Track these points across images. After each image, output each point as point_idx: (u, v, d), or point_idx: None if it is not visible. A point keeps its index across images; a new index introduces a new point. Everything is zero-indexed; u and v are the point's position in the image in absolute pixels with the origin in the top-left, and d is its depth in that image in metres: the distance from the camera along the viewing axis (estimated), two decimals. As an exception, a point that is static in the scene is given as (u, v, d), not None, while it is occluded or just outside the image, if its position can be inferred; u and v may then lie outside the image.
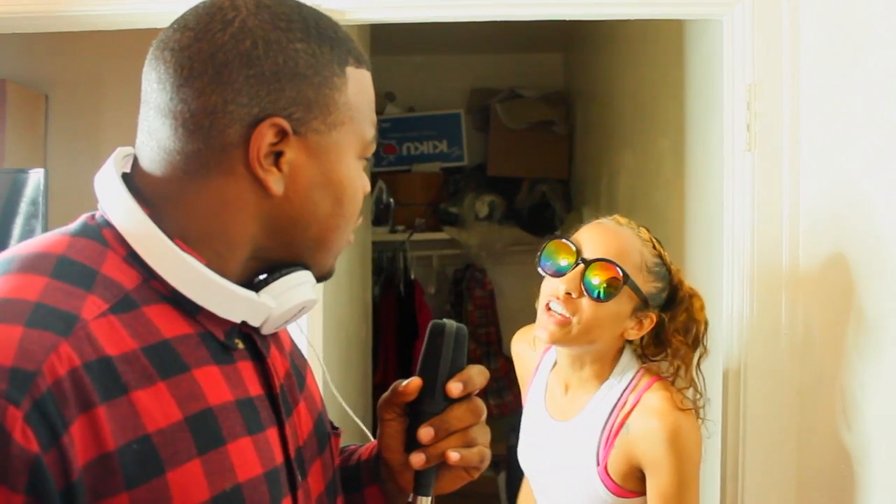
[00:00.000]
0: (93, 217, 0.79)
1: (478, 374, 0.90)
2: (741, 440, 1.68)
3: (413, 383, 0.89)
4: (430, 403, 0.88)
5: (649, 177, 2.67)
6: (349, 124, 0.81)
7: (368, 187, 0.89)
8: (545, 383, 1.64)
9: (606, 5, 1.76)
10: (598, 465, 1.49)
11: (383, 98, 4.26)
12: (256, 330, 0.83)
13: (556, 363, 1.62)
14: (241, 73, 0.76)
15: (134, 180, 0.79)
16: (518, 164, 4.21)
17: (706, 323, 1.55)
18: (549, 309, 1.48)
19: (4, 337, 0.64)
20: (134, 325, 0.72)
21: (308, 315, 1.74)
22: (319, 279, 0.87)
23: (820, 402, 1.58)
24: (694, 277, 2.15)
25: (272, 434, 0.81)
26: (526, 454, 1.67)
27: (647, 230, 1.54)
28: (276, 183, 0.78)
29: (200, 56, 0.76)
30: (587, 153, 3.88)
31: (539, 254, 1.51)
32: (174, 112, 0.77)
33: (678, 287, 1.54)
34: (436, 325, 0.90)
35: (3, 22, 1.66)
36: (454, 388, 0.87)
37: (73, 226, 0.78)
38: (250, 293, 0.79)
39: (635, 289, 1.45)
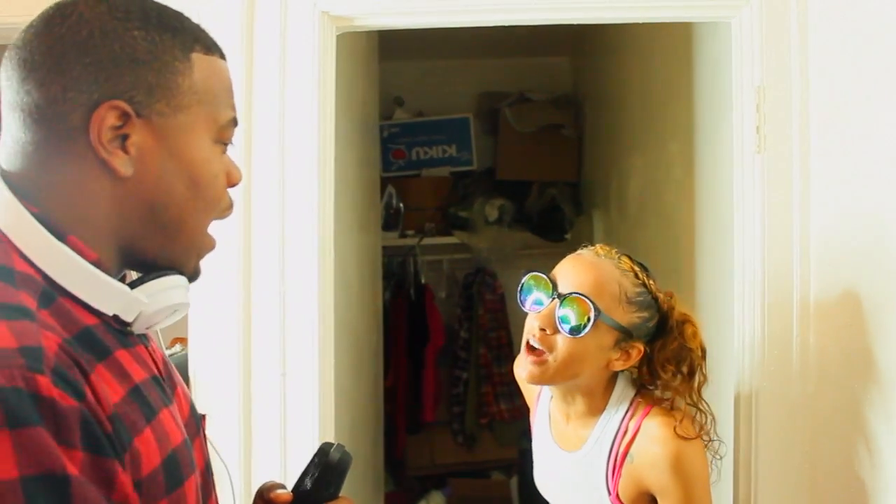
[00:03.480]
0: None
1: None
2: (753, 466, 1.66)
3: (282, 498, 0.97)
4: None
5: (659, 179, 2.66)
6: (196, 107, 0.85)
7: (238, 175, 0.92)
8: (548, 412, 1.64)
9: (613, 9, 1.76)
10: (610, 493, 1.49)
11: (392, 103, 4.26)
12: (128, 326, 0.86)
13: (552, 395, 1.62)
14: (78, 61, 0.80)
15: (8, 180, 0.82)
16: (527, 168, 4.20)
17: (703, 349, 1.52)
18: (529, 348, 1.48)
19: None
20: (59, 316, 0.76)
21: (318, 319, 1.75)
22: (190, 279, 0.90)
23: (835, 433, 1.56)
24: (704, 281, 2.14)
25: (173, 410, 0.87)
26: (542, 482, 1.67)
27: (630, 258, 1.51)
28: (122, 165, 0.81)
29: (40, 49, 0.80)
30: (597, 156, 3.87)
31: (519, 288, 1.50)
32: (21, 104, 0.81)
33: (668, 314, 1.51)
34: (323, 448, 0.98)
35: None
36: None
37: None
38: (124, 287, 0.83)
39: (610, 322, 1.44)
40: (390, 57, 3.51)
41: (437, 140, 4.30)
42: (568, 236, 3.99)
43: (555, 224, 4.04)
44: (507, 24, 1.74)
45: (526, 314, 1.52)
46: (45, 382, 0.67)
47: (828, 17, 1.57)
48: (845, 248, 1.54)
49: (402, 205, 4.13)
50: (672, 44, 2.40)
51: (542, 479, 1.66)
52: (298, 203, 1.75)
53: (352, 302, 2.56)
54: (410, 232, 4.13)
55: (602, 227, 3.69)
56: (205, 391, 1.74)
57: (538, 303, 1.47)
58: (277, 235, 1.75)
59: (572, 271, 1.48)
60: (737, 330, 1.71)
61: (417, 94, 4.32)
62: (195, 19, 1.65)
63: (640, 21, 1.80)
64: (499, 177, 4.23)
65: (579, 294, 1.42)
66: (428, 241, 4.13)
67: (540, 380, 1.47)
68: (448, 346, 4.28)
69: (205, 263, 0.91)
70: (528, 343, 1.48)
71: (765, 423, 1.64)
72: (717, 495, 1.70)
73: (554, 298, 1.44)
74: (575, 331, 1.42)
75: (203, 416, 1.06)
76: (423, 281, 4.24)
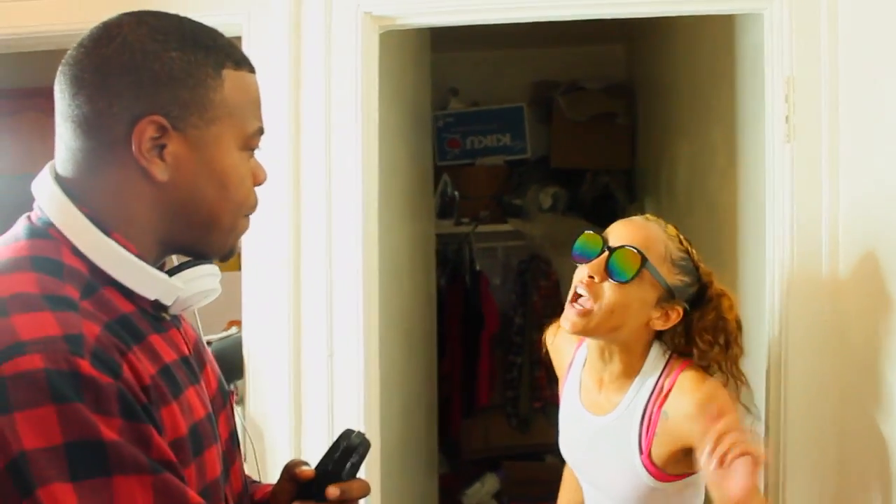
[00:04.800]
0: (29, 219, 0.94)
1: (357, 489, 1.06)
2: (782, 434, 1.71)
3: (306, 473, 1.06)
4: (314, 492, 1.05)
5: (704, 167, 2.69)
6: (227, 119, 0.95)
7: (263, 175, 1.03)
8: (579, 379, 1.71)
9: (649, 4, 1.80)
10: (641, 453, 1.55)
11: (447, 93, 4.33)
12: (166, 310, 0.98)
13: (587, 359, 1.69)
14: (122, 79, 0.90)
15: (61, 183, 0.94)
16: (581, 156, 4.23)
17: (739, 322, 1.59)
18: (574, 299, 1.55)
19: (41, 319, 0.81)
20: (100, 305, 0.87)
21: (363, 303, 1.85)
22: (221, 259, 1.02)
23: (861, 405, 1.60)
24: (746, 268, 2.18)
25: (199, 388, 0.98)
26: (567, 447, 1.74)
27: (675, 227, 1.60)
28: (160, 172, 0.92)
29: (90, 68, 0.91)
30: (649, 144, 3.89)
31: (573, 245, 1.58)
32: (72, 116, 0.92)
33: (707, 285, 1.58)
34: (344, 434, 1.07)
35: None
36: (331, 492, 1.03)
37: (21, 230, 0.93)
38: (163, 275, 0.95)
39: (656, 275, 1.51)
40: (443, 48, 3.57)
41: (491, 129, 4.36)
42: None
43: (608, 211, 4.06)
44: (540, 20, 1.81)
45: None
46: (85, 364, 0.78)
47: (857, 8, 1.59)
48: (871, 231, 1.56)
49: (456, 193, 4.21)
50: (716, 33, 2.42)
51: (569, 445, 1.73)
52: (344, 195, 1.85)
53: (403, 288, 2.65)
54: (465, 219, 4.21)
55: (654, 214, 3.71)
56: (257, 370, 1.86)
57: (589, 256, 1.54)
58: (324, 226, 1.86)
59: (623, 229, 1.57)
60: (768, 305, 1.75)
61: (471, 84, 4.38)
62: (245, 19, 1.77)
63: (675, 14, 1.85)
64: (552, 165, 4.27)
65: (629, 246, 1.51)
66: (482, 228, 4.19)
67: (584, 329, 1.54)
68: (503, 331, 4.35)
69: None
70: (574, 292, 1.55)
71: (793, 393, 1.69)
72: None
73: (605, 251, 1.52)
74: (622, 278, 1.50)
75: (231, 392, 1.18)
76: (477, 268, 4.31)
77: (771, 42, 1.70)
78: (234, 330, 2.08)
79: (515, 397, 4.31)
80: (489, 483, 4.17)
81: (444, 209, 4.18)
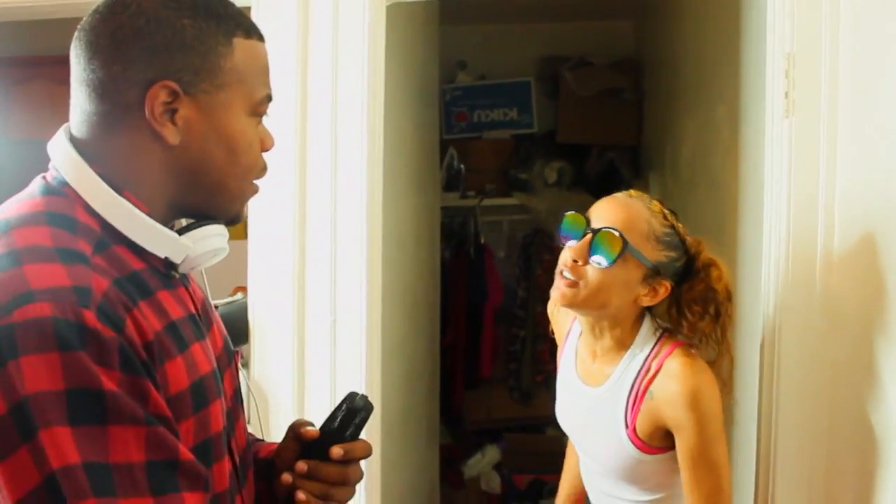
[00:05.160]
0: (45, 178, 0.98)
1: (360, 449, 1.10)
2: (775, 409, 1.73)
3: (311, 433, 1.10)
4: (317, 451, 1.09)
5: (708, 143, 2.70)
6: (237, 85, 0.98)
7: (271, 141, 1.06)
8: (575, 350, 1.75)
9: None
10: (627, 427, 1.60)
11: (455, 67, 4.34)
12: (176, 268, 1.01)
13: (582, 332, 1.72)
14: (136, 45, 0.93)
15: (76, 144, 0.97)
16: (587, 131, 4.24)
17: (728, 291, 1.61)
18: (561, 275, 1.58)
19: (52, 270, 0.84)
20: (111, 260, 0.91)
21: (366, 271, 1.89)
22: (229, 223, 1.05)
23: (851, 379, 1.63)
24: (746, 243, 2.20)
25: (205, 344, 1.01)
26: (562, 415, 1.79)
27: (660, 203, 1.62)
28: (172, 135, 0.96)
29: (104, 33, 0.94)
30: (655, 120, 3.90)
31: (558, 226, 1.61)
32: (87, 80, 0.95)
33: (695, 257, 1.61)
34: (349, 396, 1.11)
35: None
36: (335, 452, 1.07)
37: (36, 188, 0.97)
38: (174, 234, 0.99)
39: (639, 255, 1.54)
40: (452, 21, 3.58)
41: (498, 103, 4.37)
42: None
43: (613, 187, 4.04)
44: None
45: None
46: (90, 316, 0.82)
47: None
48: (867, 207, 1.58)
49: (463, 166, 4.23)
50: (722, 9, 2.43)
51: (564, 413, 1.78)
52: (349, 166, 1.88)
53: (407, 259, 2.69)
54: (471, 193, 4.23)
55: (658, 190, 3.73)
56: (262, 335, 1.91)
57: (574, 237, 1.57)
58: (329, 196, 1.89)
59: (605, 209, 1.59)
60: (763, 281, 1.78)
61: (480, 57, 4.38)
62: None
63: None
64: (559, 140, 4.28)
65: (610, 228, 1.53)
66: (488, 201, 4.22)
67: (571, 302, 1.58)
68: (506, 304, 4.39)
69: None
70: (560, 272, 1.59)
71: (787, 369, 1.71)
72: (742, 438, 1.80)
73: (587, 233, 1.55)
74: (604, 261, 1.53)
75: (236, 352, 1.22)
76: (482, 241, 4.34)
77: (773, 17, 1.71)
78: (239, 296, 2.12)
79: (518, 370, 4.36)
80: (490, 454, 4.23)
81: (450, 182, 4.20)
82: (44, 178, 0.99)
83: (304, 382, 1.91)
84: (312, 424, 1.13)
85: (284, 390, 1.89)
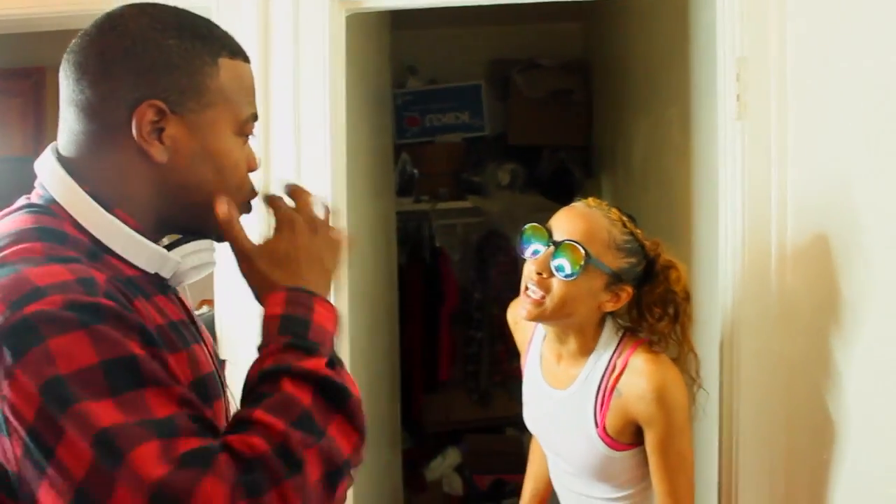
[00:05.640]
0: (29, 197, 0.99)
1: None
2: (735, 405, 1.80)
3: None
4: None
5: (660, 143, 2.76)
6: (223, 105, 1.00)
7: (255, 162, 1.09)
8: (539, 354, 1.78)
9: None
10: (597, 426, 1.63)
11: (405, 71, 4.35)
12: (165, 283, 1.04)
13: (545, 337, 1.76)
14: (123, 65, 0.95)
15: (64, 163, 0.98)
16: (538, 133, 4.29)
17: (686, 292, 1.66)
18: (527, 292, 1.61)
19: (52, 269, 0.85)
20: (105, 267, 0.92)
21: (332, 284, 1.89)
22: (218, 240, 1.07)
23: (807, 373, 1.69)
24: (700, 242, 2.26)
25: (202, 347, 1.03)
26: (531, 418, 1.82)
27: (618, 210, 1.65)
28: (159, 153, 0.97)
29: (92, 54, 0.96)
30: (605, 121, 3.96)
31: (519, 238, 1.64)
32: (76, 101, 0.97)
33: (654, 260, 1.65)
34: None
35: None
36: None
37: (23, 207, 0.97)
38: (163, 251, 1.01)
39: (601, 266, 1.57)
40: (402, 26, 3.59)
41: (449, 107, 4.40)
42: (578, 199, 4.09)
43: (565, 187, 4.13)
44: (501, 2, 1.85)
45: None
46: (101, 299, 0.83)
47: (805, -10, 1.67)
48: (818, 206, 1.64)
49: (416, 171, 4.25)
50: (670, 12, 2.48)
51: (532, 416, 1.81)
52: (313, 173, 1.88)
53: (366, 265, 2.69)
54: (425, 197, 4.25)
55: (610, 190, 3.80)
56: (230, 347, 1.89)
57: (536, 251, 1.60)
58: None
59: (566, 221, 1.62)
60: (720, 279, 1.83)
61: (430, 62, 4.40)
62: (214, 2, 1.79)
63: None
64: (510, 142, 4.32)
65: (572, 241, 1.56)
66: (442, 205, 4.24)
67: (538, 318, 1.61)
68: (462, 307, 4.42)
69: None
70: (525, 287, 1.61)
71: (745, 363, 1.78)
72: (702, 434, 1.85)
73: (549, 245, 1.58)
74: (568, 275, 1.56)
75: (223, 361, 1.22)
76: (437, 244, 4.37)
77: (723, 22, 1.76)
78: (205, 309, 2.10)
79: (476, 372, 4.38)
80: (451, 456, 4.25)
81: (404, 187, 4.21)
82: (29, 197, 0.99)
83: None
84: None
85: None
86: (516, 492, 3.97)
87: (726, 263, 1.80)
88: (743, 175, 1.74)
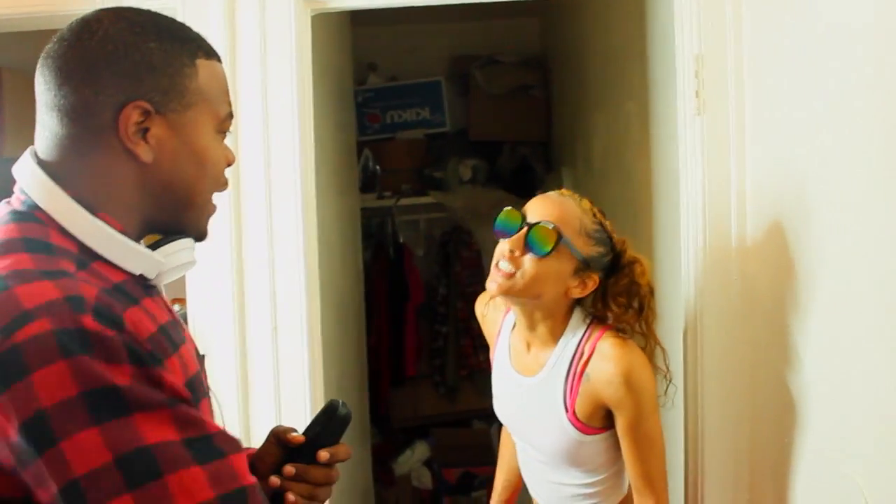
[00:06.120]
0: (10, 203, 1.00)
1: (343, 453, 1.16)
2: (700, 389, 1.86)
3: (297, 438, 1.14)
4: (303, 456, 1.13)
5: (619, 138, 2.81)
6: (203, 104, 1.04)
7: (232, 157, 1.12)
8: (508, 343, 1.83)
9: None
10: (567, 411, 1.68)
11: (366, 69, 4.37)
12: (148, 282, 1.05)
13: (515, 325, 1.80)
14: (106, 69, 0.97)
15: (45, 167, 1.00)
16: (499, 128, 4.35)
17: (650, 287, 1.72)
18: (498, 267, 1.66)
19: (41, 288, 0.86)
20: (93, 276, 0.94)
21: (304, 280, 1.91)
22: (197, 238, 1.10)
23: (770, 352, 1.75)
24: (661, 234, 2.32)
25: (188, 346, 1.06)
26: (501, 408, 1.86)
27: (590, 202, 1.71)
28: (145, 153, 1.00)
29: (74, 60, 0.98)
30: (564, 116, 4.01)
31: (494, 221, 1.69)
32: (59, 106, 0.98)
33: (621, 254, 1.71)
34: (332, 404, 1.17)
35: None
36: (323, 455, 1.12)
37: (6, 214, 0.98)
38: (148, 251, 1.03)
39: (572, 248, 1.63)
40: (363, 23, 3.60)
41: (410, 103, 4.43)
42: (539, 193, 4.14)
43: (526, 182, 4.20)
44: (460, 2, 1.89)
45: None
46: (88, 321, 0.84)
47: (760, -11, 1.72)
48: (775, 199, 1.70)
49: (378, 167, 4.27)
50: (627, 8, 2.53)
51: (502, 405, 1.85)
52: (282, 171, 1.90)
53: (334, 262, 2.71)
54: (387, 193, 4.28)
55: (571, 184, 3.84)
56: (203, 345, 1.91)
57: (510, 232, 1.65)
58: (264, 201, 1.91)
59: (540, 205, 1.68)
60: (683, 270, 1.90)
61: (390, 59, 4.44)
62: (180, 3, 1.80)
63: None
64: (471, 138, 4.38)
65: (545, 222, 1.62)
66: (405, 201, 4.28)
67: (508, 291, 1.65)
68: (427, 302, 4.46)
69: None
70: (496, 264, 1.66)
71: (709, 352, 1.84)
72: (668, 421, 1.90)
73: (524, 226, 1.63)
74: (541, 253, 1.61)
75: (203, 357, 1.24)
76: (401, 240, 4.40)
77: (681, 20, 1.81)
78: (177, 308, 2.10)
79: (442, 366, 4.43)
80: (419, 450, 4.29)
81: (367, 183, 4.24)
82: (9, 202, 1.00)
83: (248, 390, 1.93)
84: (295, 430, 1.17)
85: (229, 397, 1.90)
86: (485, 484, 4.04)
87: (688, 254, 1.86)
88: (703, 169, 1.80)
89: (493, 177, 4.33)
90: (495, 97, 4.29)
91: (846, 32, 1.40)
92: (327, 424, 1.15)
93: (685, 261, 1.88)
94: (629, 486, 1.76)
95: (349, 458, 1.16)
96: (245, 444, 1.86)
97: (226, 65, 1.84)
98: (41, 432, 0.81)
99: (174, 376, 0.93)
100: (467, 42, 4.42)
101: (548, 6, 4.09)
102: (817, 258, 1.54)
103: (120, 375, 0.84)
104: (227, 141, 1.12)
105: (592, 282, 1.68)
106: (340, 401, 1.18)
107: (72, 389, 0.81)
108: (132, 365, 0.86)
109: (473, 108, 4.36)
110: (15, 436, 0.81)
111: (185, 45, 1.03)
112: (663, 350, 1.73)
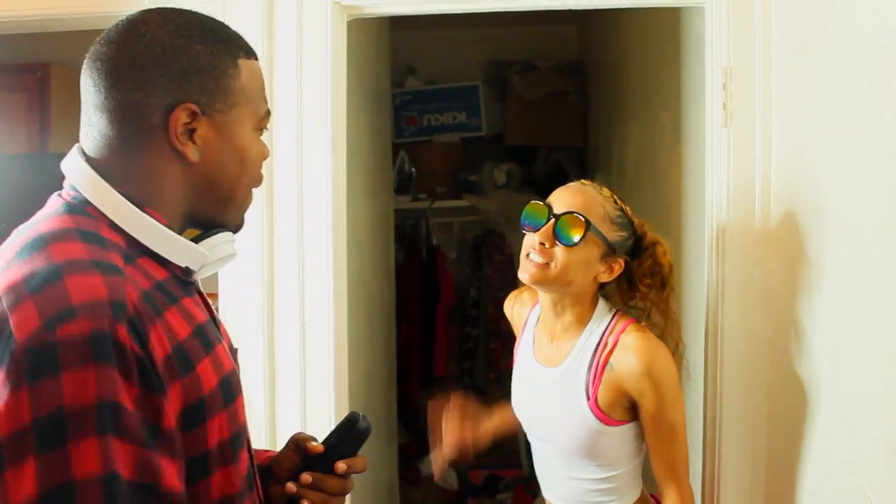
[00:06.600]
0: (60, 196, 1.04)
1: (360, 465, 1.20)
2: (720, 378, 1.90)
3: (317, 448, 1.19)
4: (321, 465, 1.18)
5: (652, 146, 2.83)
6: (244, 104, 1.07)
7: (267, 152, 1.16)
8: (532, 336, 1.86)
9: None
10: (589, 399, 1.71)
11: (404, 71, 4.41)
12: (191, 275, 1.09)
13: (540, 317, 1.83)
14: (156, 73, 1.01)
15: (93, 165, 1.03)
16: (534, 134, 4.36)
17: (670, 265, 1.78)
18: (529, 258, 1.70)
19: (91, 282, 0.89)
20: (140, 272, 0.97)
21: (332, 279, 1.96)
22: (235, 230, 1.14)
23: (787, 346, 1.78)
24: (688, 239, 2.33)
25: (223, 345, 1.09)
26: (520, 402, 1.89)
27: (609, 189, 1.77)
28: (192, 153, 1.04)
29: (124, 63, 1.01)
30: (600, 123, 4.02)
31: (520, 215, 1.73)
32: (109, 107, 1.01)
33: (642, 236, 1.77)
34: (353, 416, 1.21)
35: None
36: (340, 466, 1.17)
37: (60, 207, 1.02)
38: (193, 244, 1.07)
39: (599, 234, 1.68)
40: (402, 26, 3.64)
41: (447, 107, 4.46)
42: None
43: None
44: (499, 10, 1.93)
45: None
46: (122, 331, 0.88)
47: (790, 5, 1.73)
48: (797, 209, 1.72)
49: (413, 169, 4.31)
50: (664, 20, 2.55)
51: (521, 398, 1.89)
52: (314, 172, 1.96)
53: (364, 262, 2.76)
54: (422, 195, 4.32)
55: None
56: (234, 340, 1.96)
57: (538, 225, 1.69)
58: (296, 200, 1.97)
59: (565, 196, 1.73)
60: (707, 270, 1.93)
61: (428, 62, 4.47)
62: (220, 7, 1.86)
63: (622, 6, 1.96)
64: (507, 142, 4.39)
65: (573, 212, 1.66)
66: (439, 204, 4.32)
67: (542, 280, 1.70)
68: (458, 304, 4.48)
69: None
70: (527, 255, 1.71)
71: (728, 346, 1.89)
72: (689, 399, 1.96)
73: (551, 218, 1.67)
74: (572, 243, 1.65)
75: (236, 350, 1.29)
76: (434, 242, 4.43)
77: (711, 34, 1.83)
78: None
79: (471, 368, 4.45)
80: (446, 451, 4.30)
81: (402, 185, 4.28)
82: (60, 195, 1.04)
83: (276, 385, 1.98)
84: (315, 439, 1.21)
85: (256, 394, 1.95)
86: (510, 487, 4.05)
87: (712, 258, 1.91)
88: (729, 180, 1.83)
89: (528, 182, 4.35)
90: (532, 102, 4.31)
91: (875, 50, 1.41)
92: (346, 436, 1.19)
93: (709, 263, 1.93)
94: (642, 489, 1.79)
95: (365, 470, 1.20)
96: (270, 440, 1.92)
97: (263, 68, 1.92)
98: (56, 430, 0.83)
99: (205, 379, 0.98)
100: (505, 47, 4.44)
101: (586, 14, 4.08)
102: (840, 268, 1.55)
103: (127, 395, 0.87)
104: (263, 138, 1.17)
105: (619, 266, 1.73)
106: (361, 414, 1.21)
107: (92, 396, 0.84)
108: (140, 388, 0.88)
109: (510, 112, 4.38)
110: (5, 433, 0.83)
111: (228, 46, 1.06)
112: (679, 326, 1.79)
